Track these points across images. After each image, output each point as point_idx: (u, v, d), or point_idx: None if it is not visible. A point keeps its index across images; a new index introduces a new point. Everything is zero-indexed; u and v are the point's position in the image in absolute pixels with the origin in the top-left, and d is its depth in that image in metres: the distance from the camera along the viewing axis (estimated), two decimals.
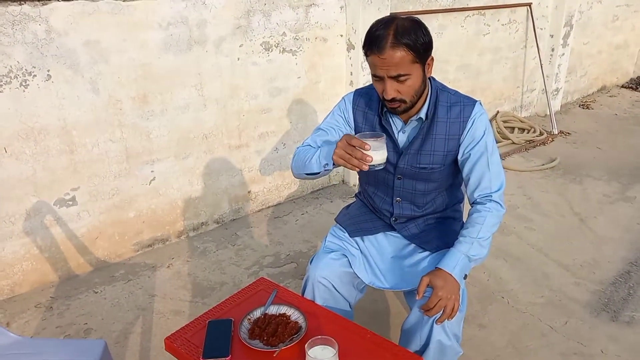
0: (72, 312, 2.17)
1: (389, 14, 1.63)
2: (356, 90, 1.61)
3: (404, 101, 1.38)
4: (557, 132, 4.45)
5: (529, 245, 2.69)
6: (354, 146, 1.27)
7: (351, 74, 3.18)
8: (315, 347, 1.24)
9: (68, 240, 2.39)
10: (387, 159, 1.36)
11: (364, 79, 3.14)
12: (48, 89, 2.17)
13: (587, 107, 5.31)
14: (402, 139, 1.52)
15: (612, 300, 2.25)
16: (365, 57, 1.40)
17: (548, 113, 4.63)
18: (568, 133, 4.48)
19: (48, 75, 2.16)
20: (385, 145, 1.31)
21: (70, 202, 2.36)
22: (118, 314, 2.15)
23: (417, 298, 1.39)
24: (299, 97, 3.06)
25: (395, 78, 1.34)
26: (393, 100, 1.37)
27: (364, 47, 1.37)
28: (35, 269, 2.34)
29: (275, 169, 3.13)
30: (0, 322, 2.11)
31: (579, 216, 3.01)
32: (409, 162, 1.51)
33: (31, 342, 1.41)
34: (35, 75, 2.13)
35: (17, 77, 2.09)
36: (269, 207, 3.17)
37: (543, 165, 3.75)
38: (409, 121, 1.49)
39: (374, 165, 1.29)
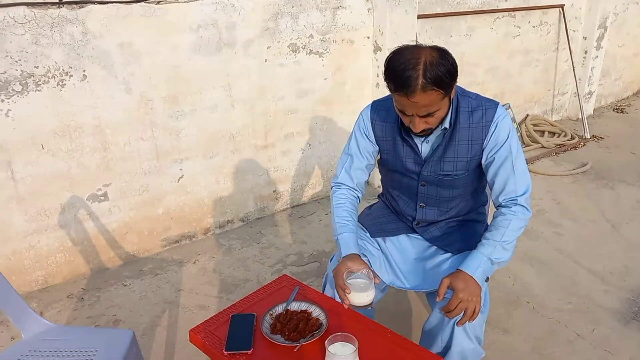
0: (102, 304, 2.25)
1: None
2: (373, 104, 1.59)
3: (430, 129, 1.40)
4: (589, 136, 4.34)
5: (557, 251, 2.63)
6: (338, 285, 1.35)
7: (377, 76, 3.18)
8: (336, 344, 1.26)
9: (99, 234, 2.48)
10: (410, 171, 1.48)
11: None
12: (84, 88, 2.25)
13: (622, 111, 5.16)
14: (425, 148, 1.51)
15: None
16: (388, 90, 1.35)
17: (580, 117, 4.52)
18: (601, 137, 4.37)
19: (84, 75, 2.24)
20: (370, 288, 1.33)
21: (102, 198, 2.44)
22: (145, 307, 2.22)
23: (437, 300, 1.38)
24: (325, 98, 3.08)
25: (425, 116, 1.34)
26: (422, 130, 1.38)
27: (387, 81, 1.32)
28: (69, 261, 2.43)
29: (300, 169, 3.16)
30: (35, 310, 2.20)
31: (611, 222, 2.93)
32: (432, 169, 1.50)
33: (64, 329, 1.47)
34: (71, 75, 2.21)
35: (54, 77, 2.18)
36: (293, 206, 3.20)
37: (574, 169, 3.67)
38: (433, 132, 1.47)
39: (355, 306, 1.36)
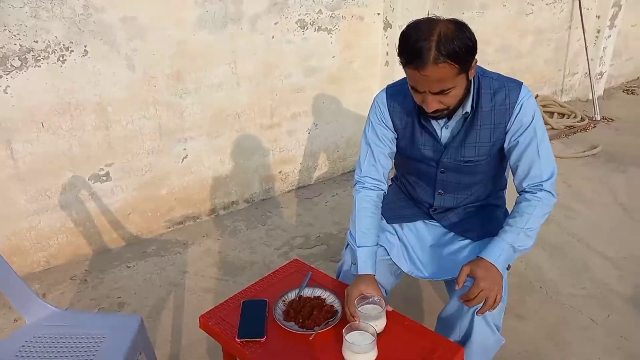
0: (105, 286, 2.20)
1: (427, 12, 1.50)
2: (387, 89, 1.49)
3: (446, 109, 1.30)
4: (599, 118, 4.26)
5: (570, 235, 2.58)
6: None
7: (387, 54, 3.08)
8: (353, 333, 1.21)
9: (102, 214, 2.42)
10: (428, 158, 1.43)
11: None
12: (85, 64, 2.17)
13: (632, 93, 5.06)
14: (444, 134, 1.42)
15: None
16: (400, 65, 1.26)
17: (590, 98, 4.43)
18: (611, 119, 4.29)
19: (85, 50, 2.15)
20: (379, 317, 1.26)
21: (105, 178, 2.38)
22: (150, 289, 2.17)
23: (456, 288, 1.33)
24: (332, 77, 2.99)
25: (438, 93, 1.24)
26: (435, 111, 1.29)
27: (399, 54, 1.23)
28: (71, 242, 2.37)
29: (307, 149, 3.09)
30: (38, 292, 2.15)
31: (623, 206, 2.88)
32: (452, 156, 1.43)
33: (69, 314, 1.42)
34: (72, 51, 2.12)
35: (54, 52, 2.09)
36: (299, 187, 3.14)
37: (584, 152, 3.60)
38: (454, 116, 1.38)
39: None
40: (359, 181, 1.52)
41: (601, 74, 4.64)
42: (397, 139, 1.49)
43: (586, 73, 4.50)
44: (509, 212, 1.59)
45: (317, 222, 2.73)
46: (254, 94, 2.72)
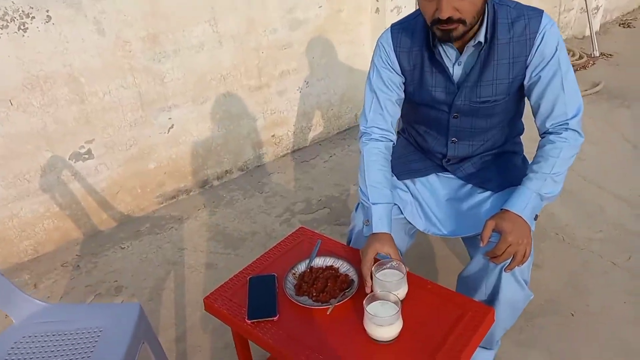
0: (100, 270, 2.08)
1: None
2: (392, 27, 1.34)
3: (462, 21, 1.11)
4: (598, 55, 4.10)
5: (581, 177, 2.48)
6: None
7: (377, 1, 2.88)
8: (374, 303, 1.10)
9: (88, 195, 2.27)
10: (440, 102, 1.30)
11: (392, 4, 2.84)
12: (49, 31, 1.96)
13: (628, 26, 4.89)
14: (457, 72, 1.27)
15: None
16: None
17: (587, 34, 4.26)
18: (610, 55, 4.13)
19: (48, 16, 1.94)
20: (401, 284, 1.14)
21: (87, 156, 2.21)
22: (148, 270, 2.05)
23: (481, 245, 1.22)
24: (320, 28, 2.79)
25: None
26: (449, 20, 1.10)
27: None
28: (58, 227, 2.23)
29: (299, 110, 2.92)
30: (27, 283, 2.03)
31: (632, 143, 2.77)
32: (467, 97, 1.28)
33: (60, 308, 1.30)
34: (33, 17, 1.91)
35: (14, 20, 1.88)
36: (294, 151, 2.99)
37: (586, 90, 3.46)
38: (465, 48, 1.23)
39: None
40: (365, 132, 1.39)
41: (597, 8, 4.45)
42: (404, 83, 1.34)
43: (582, 8, 4.31)
44: (527, 159, 1.48)
45: (316, 185, 2.60)
46: (238, 54, 2.52)
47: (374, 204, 1.28)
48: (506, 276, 1.23)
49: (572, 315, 1.71)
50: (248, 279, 1.29)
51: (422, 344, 1.06)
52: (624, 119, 3.04)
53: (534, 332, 1.64)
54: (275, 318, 1.16)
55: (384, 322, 1.05)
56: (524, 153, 1.51)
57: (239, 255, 2.10)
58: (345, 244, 1.44)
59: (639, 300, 1.75)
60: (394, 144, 1.40)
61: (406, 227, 1.43)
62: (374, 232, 1.25)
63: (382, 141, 1.36)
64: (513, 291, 1.26)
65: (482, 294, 1.31)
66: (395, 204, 1.38)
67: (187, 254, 2.13)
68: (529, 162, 1.45)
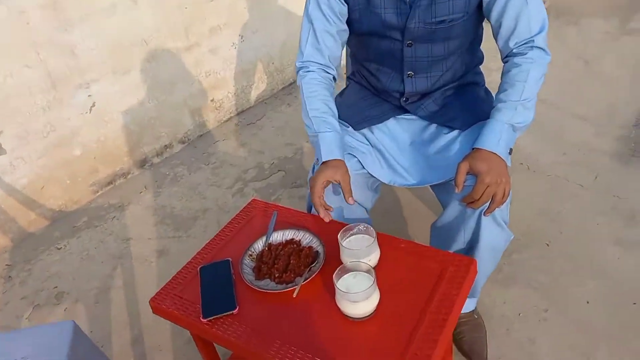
0: (36, 278, 1.84)
1: None
2: None
3: None
4: None
5: (538, 100, 2.38)
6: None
7: None
8: (345, 276, 0.96)
9: (9, 196, 1.99)
10: (391, 27, 1.12)
11: None
12: None
13: None
14: None
15: (639, 144, 2.02)
16: None
17: None
18: None
19: None
20: (372, 249, 1.01)
21: None
22: (91, 269, 1.83)
23: (456, 191, 1.08)
24: None
25: None
26: None
27: None
28: None
29: (237, 68, 2.67)
30: None
31: (583, 59, 2.70)
32: (421, 18, 1.11)
33: None
34: None
35: None
36: (238, 113, 2.76)
37: None
38: None
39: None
40: (301, 67, 1.24)
41: None
42: (349, 10, 1.16)
43: None
44: (490, 91, 1.35)
45: (266, 147, 2.41)
46: (158, 12, 2.23)
47: (320, 132, 1.15)
48: (486, 220, 1.11)
49: (548, 245, 1.64)
50: (198, 269, 1.11)
51: (403, 314, 0.93)
52: (573, 36, 2.97)
53: (512, 269, 1.57)
54: (234, 311, 1.00)
55: (358, 298, 0.91)
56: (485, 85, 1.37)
57: (191, 237, 1.91)
58: (306, 211, 1.28)
59: (611, 219, 1.70)
60: (334, 78, 1.26)
61: (369, 181, 1.27)
62: (324, 160, 1.12)
63: (320, 73, 1.22)
64: (494, 235, 1.14)
65: (460, 243, 1.19)
66: (355, 156, 1.22)
67: (134, 245, 1.92)
68: (492, 94, 1.32)
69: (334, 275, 0.93)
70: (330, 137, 1.14)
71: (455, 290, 0.97)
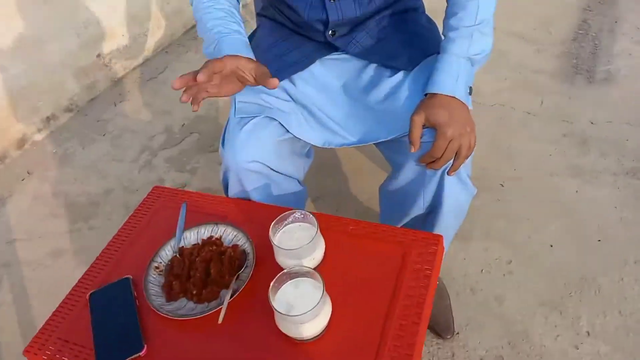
0: None
1: None
2: None
3: None
4: None
5: None
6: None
7: None
8: (284, 289, 0.72)
9: None
10: None
11: None
12: None
13: None
14: None
15: (580, 59, 1.90)
16: None
17: None
18: None
19: None
20: (317, 243, 0.77)
21: None
22: None
23: (411, 151, 0.85)
24: None
25: None
26: None
27: None
28: None
29: (127, 13, 2.21)
30: None
31: None
32: None
33: None
34: None
35: None
36: (134, 68, 2.33)
37: None
38: None
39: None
40: None
41: None
42: None
43: None
44: (432, 19, 1.10)
45: (174, 106, 2.04)
46: None
47: (220, 37, 0.88)
48: (450, 180, 0.90)
49: (502, 185, 1.50)
50: (88, 296, 0.82)
51: (363, 326, 0.72)
52: None
53: (468, 219, 1.35)
54: (142, 354, 0.73)
55: (305, 319, 0.68)
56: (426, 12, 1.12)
57: (94, 228, 1.58)
58: (224, 192, 1.01)
59: (564, 148, 1.57)
60: (238, 2, 0.99)
61: (297, 146, 1.01)
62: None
63: None
64: (458, 194, 0.94)
65: (418, 209, 0.99)
66: (276, 119, 0.94)
67: (20, 247, 1.56)
68: (435, 23, 1.08)
69: (269, 291, 0.69)
70: (236, 39, 0.88)
71: (424, 282, 0.77)
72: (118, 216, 1.59)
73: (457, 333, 1.15)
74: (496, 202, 1.44)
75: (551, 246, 1.30)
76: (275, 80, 0.77)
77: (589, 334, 1.11)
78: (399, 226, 1.06)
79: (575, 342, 1.10)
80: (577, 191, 1.43)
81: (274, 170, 0.95)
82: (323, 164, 1.63)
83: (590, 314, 1.15)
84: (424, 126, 0.84)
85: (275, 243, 0.76)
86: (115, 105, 2.11)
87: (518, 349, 1.11)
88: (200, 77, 0.73)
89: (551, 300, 1.18)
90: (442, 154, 0.83)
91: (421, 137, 0.85)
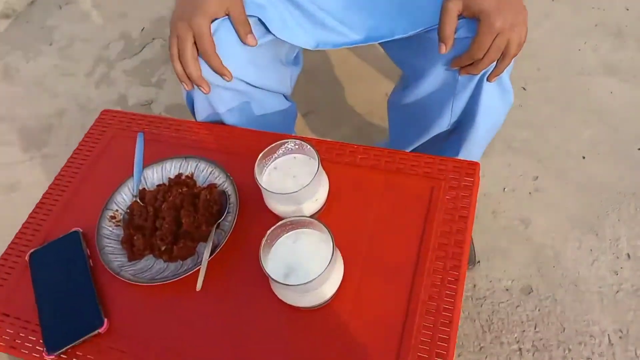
0: None
1: None
2: None
3: None
4: None
5: None
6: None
7: None
8: (278, 245, 0.53)
9: None
10: None
11: None
12: None
13: None
14: None
15: None
16: None
17: None
18: None
19: None
20: (320, 180, 0.58)
21: None
22: None
23: (441, 51, 0.62)
24: None
25: None
26: None
27: None
28: None
29: None
30: None
31: None
32: None
33: None
34: None
35: None
36: None
37: None
38: None
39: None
40: None
41: None
42: None
43: None
44: None
45: (130, 6, 1.71)
46: None
47: None
48: (489, 88, 0.69)
49: (524, 89, 1.29)
50: (27, 256, 0.63)
51: (383, 289, 0.55)
52: None
53: None
54: (101, 330, 0.56)
55: (310, 287, 0.50)
56: None
57: (49, 157, 1.35)
58: (192, 116, 0.79)
59: (596, 40, 1.34)
60: None
61: (281, 51, 0.77)
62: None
63: None
64: (496, 105, 0.73)
65: (442, 125, 0.78)
66: (254, 16, 0.68)
67: None
68: None
69: (260, 252, 0.50)
70: None
71: (461, 225, 0.58)
72: (75, 141, 1.35)
73: (479, 262, 1.01)
74: (518, 108, 1.23)
75: (583, 158, 1.13)
76: (251, 38, 0.65)
77: (629, 256, 0.98)
78: (411, 150, 0.86)
79: (615, 267, 0.97)
80: (612, 92, 1.23)
81: (252, 86, 0.72)
82: (311, 70, 1.38)
83: (631, 234, 1.00)
84: (459, 16, 0.61)
85: (263, 186, 0.56)
86: (60, 9, 1.77)
87: (549, 278, 0.97)
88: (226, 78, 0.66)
89: (585, 221, 1.03)
90: (485, 54, 0.61)
91: (455, 33, 0.62)
